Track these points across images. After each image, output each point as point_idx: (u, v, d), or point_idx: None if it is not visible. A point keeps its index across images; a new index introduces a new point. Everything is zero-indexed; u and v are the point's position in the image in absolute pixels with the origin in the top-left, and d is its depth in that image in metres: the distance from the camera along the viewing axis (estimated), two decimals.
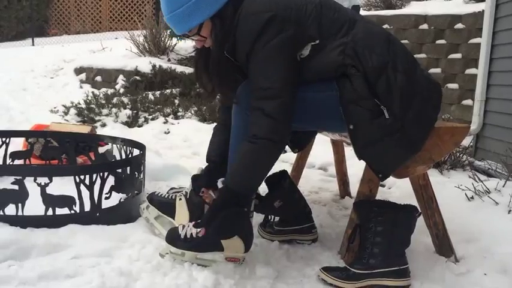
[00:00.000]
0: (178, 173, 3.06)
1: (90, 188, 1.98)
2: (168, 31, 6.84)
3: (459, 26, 5.50)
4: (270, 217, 2.09)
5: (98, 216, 2.01)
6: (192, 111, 4.86)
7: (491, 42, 4.16)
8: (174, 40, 6.82)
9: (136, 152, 2.61)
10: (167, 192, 2.15)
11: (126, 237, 1.91)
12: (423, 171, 1.80)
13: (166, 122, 4.67)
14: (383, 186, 3.03)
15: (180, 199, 2.02)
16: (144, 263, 1.71)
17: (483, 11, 5.07)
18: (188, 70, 5.96)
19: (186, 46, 7.12)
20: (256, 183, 1.65)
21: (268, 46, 1.54)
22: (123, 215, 2.11)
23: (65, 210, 1.96)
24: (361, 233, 1.70)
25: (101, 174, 2.03)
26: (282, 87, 1.54)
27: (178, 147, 4.05)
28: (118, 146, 2.73)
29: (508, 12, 4.06)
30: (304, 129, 1.82)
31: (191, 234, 1.69)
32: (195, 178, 1.95)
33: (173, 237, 1.71)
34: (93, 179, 2.00)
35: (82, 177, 1.97)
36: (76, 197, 1.97)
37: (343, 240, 1.83)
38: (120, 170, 2.13)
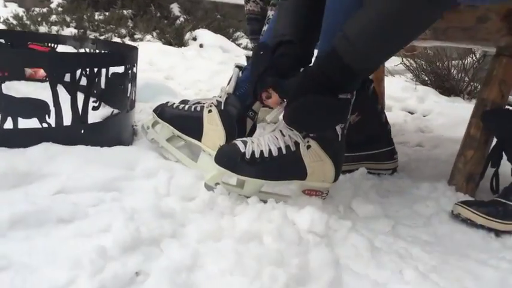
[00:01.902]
0: (161, 94, 2.36)
1: (72, 90, 1.28)
2: None
3: None
4: None
5: (82, 134, 1.32)
6: (154, 34, 4.06)
7: None
8: None
9: None
10: (182, 103, 1.48)
11: (134, 164, 1.25)
12: None
13: (123, 43, 3.84)
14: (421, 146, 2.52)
15: (210, 111, 1.37)
16: (182, 199, 1.07)
17: None
18: None
19: None
20: (384, 55, 1.02)
21: None
22: (114, 136, 1.43)
23: (33, 123, 1.25)
24: (507, 151, 1.18)
25: (88, 70, 1.32)
26: None
27: (144, 71, 3.27)
28: (88, 50, 1.97)
29: None
30: None
31: (261, 152, 1.07)
32: (258, 71, 1.23)
33: (231, 158, 1.08)
34: (76, 77, 1.29)
35: (60, 70, 1.25)
36: (50, 103, 1.25)
37: (457, 166, 1.30)
38: (114, 71, 1.43)
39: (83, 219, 0.95)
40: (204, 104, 1.42)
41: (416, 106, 2.55)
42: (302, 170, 1.09)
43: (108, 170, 1.18)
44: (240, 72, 1.41)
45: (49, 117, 1.26)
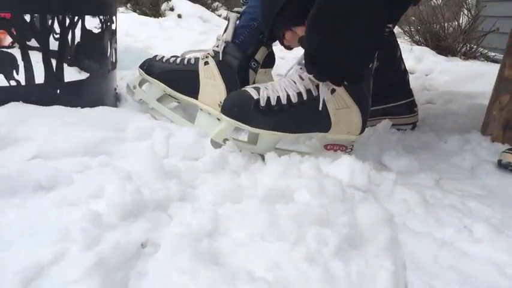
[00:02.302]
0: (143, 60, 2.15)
1: (43, 39, 1.07)
2: None
3: None
4: None
5: (58, 94, 1.12)
6: (128, 6, 3.80)
7: None
8: None
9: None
10: (172, 56, 1.29)
11: (122, 125, 1.06)
12: None
13: None
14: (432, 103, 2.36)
15: (207, 63, 1.19)
16: (185, 159, 0.89)
17: None
18: None
19: None
20: None
21: None
22: (95, 98, 1.23)
23: None
24: None
25: (61, 16, 1.12)
26: None
27: (121, 42, 3.05)
28: None
29: None
30: None
31: (278, 98, 0.90)
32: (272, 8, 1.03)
33: (242, 107, 0.90)
34: (48, 24, 1.09)
35: (27, 19, 1.05)
36: (19, 57, 1.05)
37: (491, 114, 1.16)
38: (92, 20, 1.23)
39: (67, 186, 0.76)
40: (198, 55, 1.24)
41: (415, 66, 2.41)
42: (326, 119, 0.92)
43: (92, 132, 0.99)
44: (238, 20, 1.23)
45: (17, 74, 1.06)
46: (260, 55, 1.21)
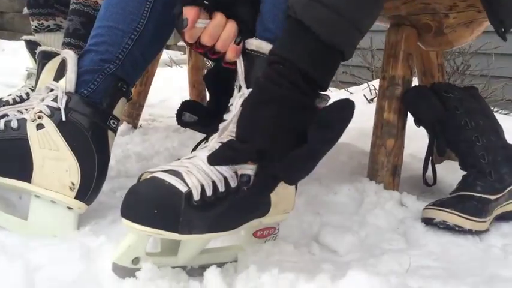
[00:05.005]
0: None
1: None
2: None
3: None
4: None
5: None
6: None
7: None
8: None
9: None
10: None
11: None
12: None
13: None
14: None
15: (41, 126, 0.79)
16: None
17: None
18: None
19: None
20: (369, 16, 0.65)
21: None
22: None
23: None
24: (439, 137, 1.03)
25: None
26: None
27: None
28: None
29: None
30: None
31: (214, 185, 0.60)
32: None
33: (166, 208, 0.57)
34: None
35: None
36: None
37: (378, 160, 1.09)
38: None
39: None
40: (23, 114, 0.82)
41: None
42: (267, 202, 0.68)
43: None
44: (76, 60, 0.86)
45: None
46: (119, 109, 0.88)
